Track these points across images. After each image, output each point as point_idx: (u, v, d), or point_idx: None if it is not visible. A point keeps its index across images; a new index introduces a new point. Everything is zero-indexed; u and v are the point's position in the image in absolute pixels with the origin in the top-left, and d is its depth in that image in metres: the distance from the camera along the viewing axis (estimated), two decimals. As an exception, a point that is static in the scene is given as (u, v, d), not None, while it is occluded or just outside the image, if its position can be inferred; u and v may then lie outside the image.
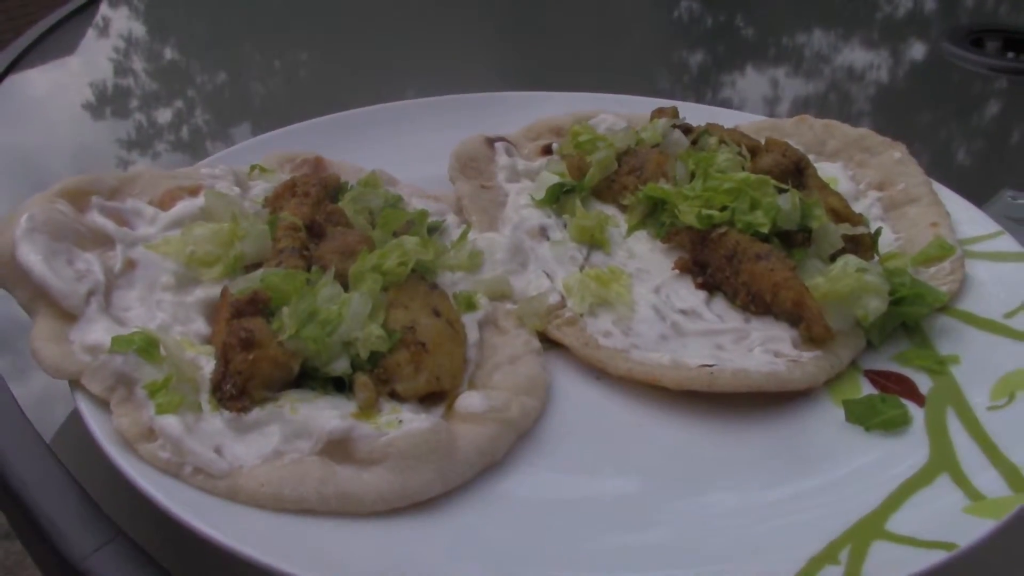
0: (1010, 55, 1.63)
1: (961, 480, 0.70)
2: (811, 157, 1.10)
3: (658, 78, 1.67)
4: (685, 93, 1.63)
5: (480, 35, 1.80)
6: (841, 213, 0.94)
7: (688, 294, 0.91)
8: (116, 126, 1.57)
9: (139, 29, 1.97)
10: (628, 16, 1.94)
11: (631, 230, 1.00)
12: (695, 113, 1.16)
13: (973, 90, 1.56)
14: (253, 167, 1.05)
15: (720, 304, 0.90)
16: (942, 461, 0.72)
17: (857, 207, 1.02)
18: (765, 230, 0.90)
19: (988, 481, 0.69)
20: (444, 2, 1.96)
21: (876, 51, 1.79)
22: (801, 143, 1.12)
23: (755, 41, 1.89)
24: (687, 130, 1.08)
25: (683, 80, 1.70)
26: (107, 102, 1.64)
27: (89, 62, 1.76)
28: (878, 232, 0.95)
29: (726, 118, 1.17)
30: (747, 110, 1.51)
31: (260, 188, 1.02)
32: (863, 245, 0.92)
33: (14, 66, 1.57)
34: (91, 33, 1.87)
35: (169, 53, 1.94)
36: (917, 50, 1.76)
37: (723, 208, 0.93)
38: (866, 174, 1.06)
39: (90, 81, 1.68)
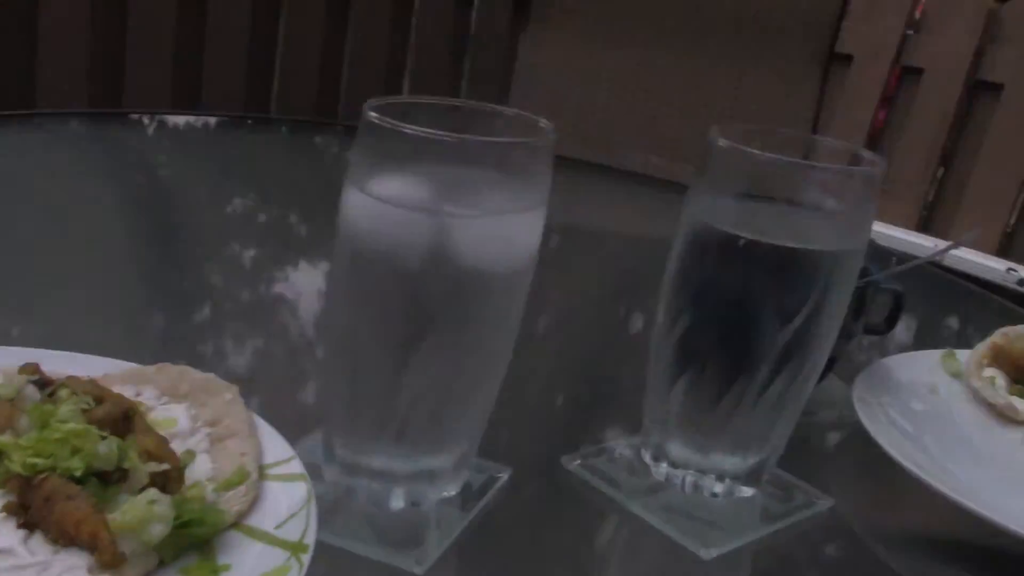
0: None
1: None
2: (166, 399, 1.32)
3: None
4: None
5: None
6: (154, 453, 1.14)
7: (9, 533, 1.05)
8: None
9: None
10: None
11: (-24, 477, 1.13)
12: (80, 364, 1.33)
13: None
14: None
15: (37, 541, 1.05)
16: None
17: (189, 442, 1.23)
18: (79, 474, 1.07)
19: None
20: None
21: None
22: (160, 387, 1.33)
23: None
24: (45, 384, 1.25)
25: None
26: None
27: None
28: (184, 467, 1.16)
29: (101, 366, 1.35)
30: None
31: None
32: (170, 478, 1.12)
33: None
34: None
35: None
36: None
37: (49, 456, 1.09)
38: (204, 412, 1.29)
39: None
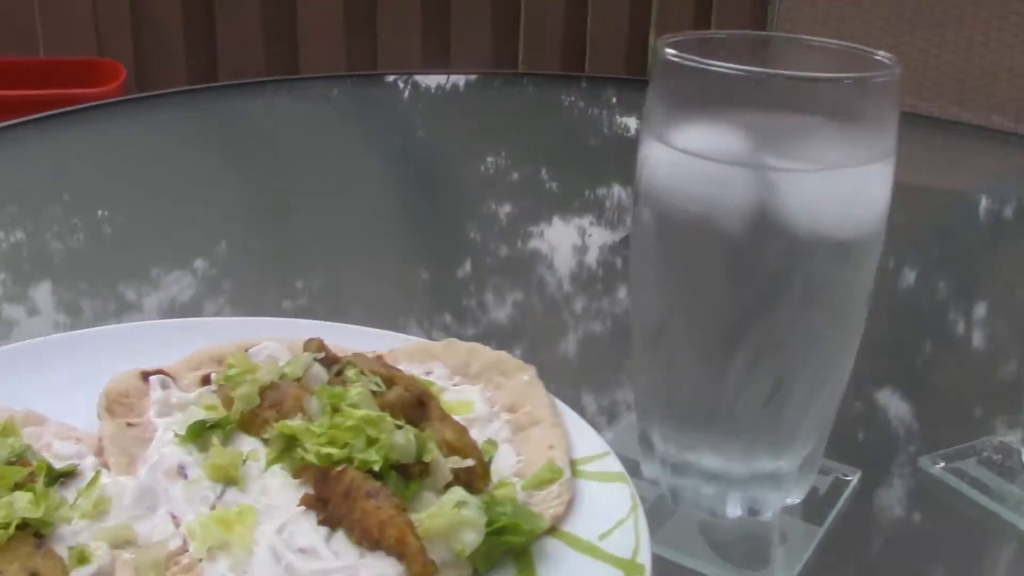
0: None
1: None
2: (457, 379, 1.18)
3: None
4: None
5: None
6: (455, 446, 1.00)
7: (310, 530, 0.94)
8: None
9: None
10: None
11: (268, 465, 1.03)
12: (359, 338, 1.22)
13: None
14: None
15: (340, 540, 0.93)
16: None
17: (489, 429, 1.08)
18: (377, 467, 0.94)
19: None
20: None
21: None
22: (449, 365, 1.19)
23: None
24: (332, 361, 1.13)
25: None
26: None
27: None
28: (490, 461, 1.01)
29: (389, 341, 1.23)
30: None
31: None
32: (476, 475, 0.98)
33: None
34: None
35: None
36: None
37: (344, 445, 0.97)
38: (500, 396, 1.14)
39: None
